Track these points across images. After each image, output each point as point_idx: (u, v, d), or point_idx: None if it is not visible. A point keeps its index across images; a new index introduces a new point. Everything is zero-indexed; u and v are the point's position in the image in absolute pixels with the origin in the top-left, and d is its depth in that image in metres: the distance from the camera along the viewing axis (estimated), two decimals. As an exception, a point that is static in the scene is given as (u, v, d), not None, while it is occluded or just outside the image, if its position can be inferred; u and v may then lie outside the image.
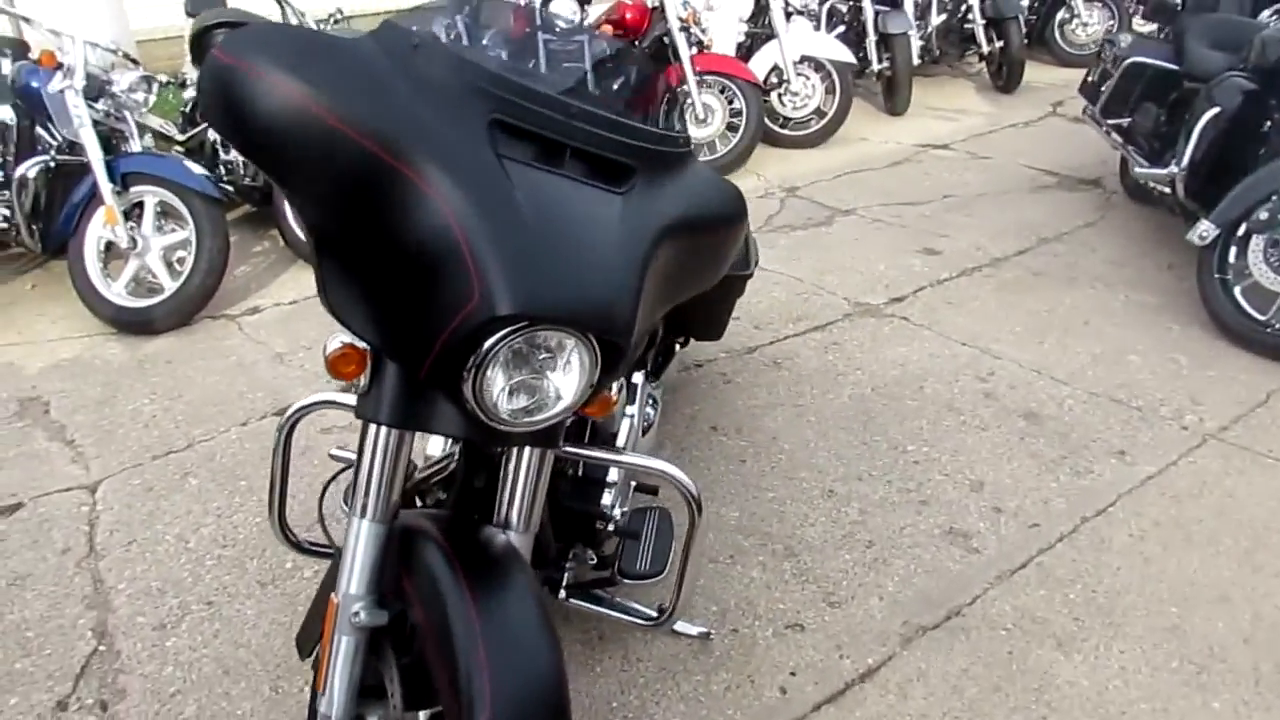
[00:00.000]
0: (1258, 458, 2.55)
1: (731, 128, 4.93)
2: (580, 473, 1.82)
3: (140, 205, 3.36)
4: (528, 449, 1.39)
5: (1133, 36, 4.19)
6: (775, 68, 5.28)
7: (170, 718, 1.79)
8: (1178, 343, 3.16)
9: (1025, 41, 6.49)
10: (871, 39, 5.82)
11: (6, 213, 3.48)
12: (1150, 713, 1.79)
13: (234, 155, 3.95)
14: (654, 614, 1.75)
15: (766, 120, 5.21)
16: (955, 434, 2.68)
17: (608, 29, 4.85)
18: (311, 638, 1.49)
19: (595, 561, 1.86)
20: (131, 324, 3.31)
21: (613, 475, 1.79)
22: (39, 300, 3.62)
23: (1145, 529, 2.28)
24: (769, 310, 3.45)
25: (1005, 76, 6.44)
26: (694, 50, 4.83)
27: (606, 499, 1.79)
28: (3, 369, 3.10)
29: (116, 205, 3.26)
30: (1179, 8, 4.04)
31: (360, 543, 1.29)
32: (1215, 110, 3.31)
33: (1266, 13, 4.06)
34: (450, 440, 1.69)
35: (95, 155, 3.23)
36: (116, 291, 3.33)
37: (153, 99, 3.57)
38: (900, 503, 2.39)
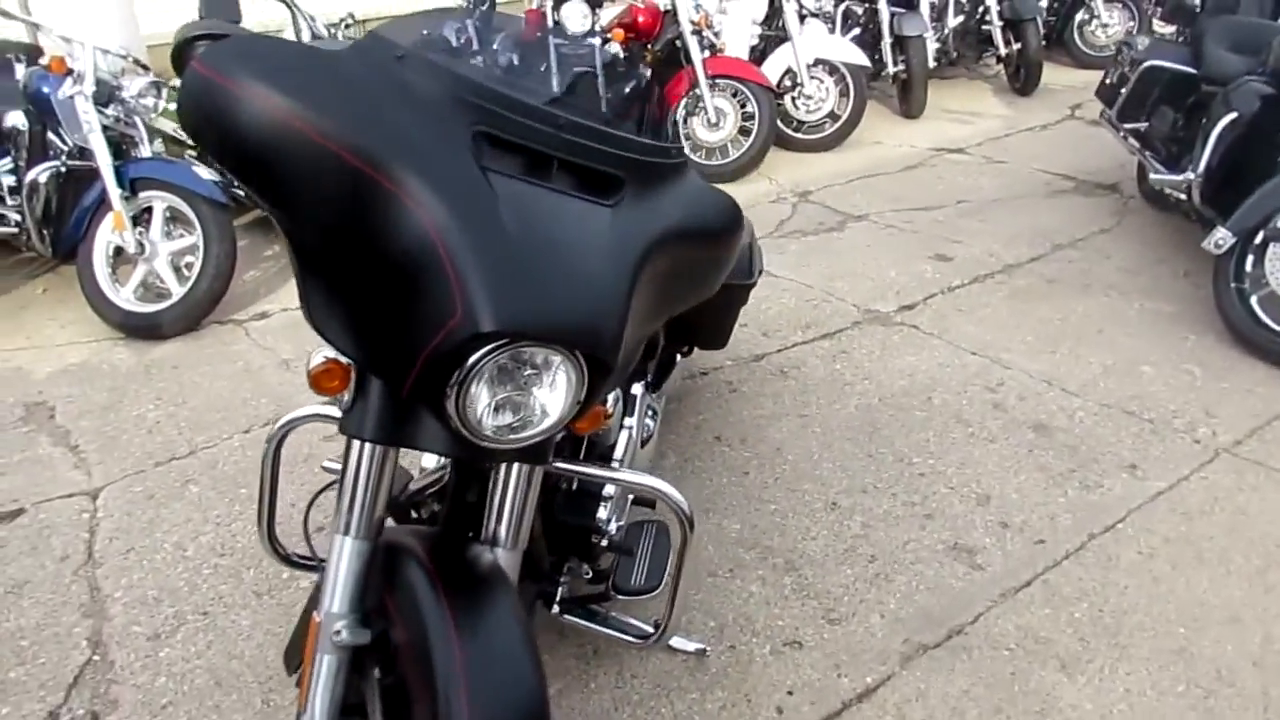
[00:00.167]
0: (1271, 473, 2.49)
1: (744, 131, 4.90)
2: (575, 486, 1.80)
3: (149, 210, 3.37)
4: (516, 465, 1.38)
5: (1150, 39, 4.12)
6: (789, 71, 5.24)
7: (161, 730, 1.79)
8: (1192, 353, 3.11)
9: (1044, 43, 6.41)
10: (887, 41, 5.77)
11: (18, 217, 3.51)
12: (1155, 737, 1.76)
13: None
14: (649, 629, 1.73)
15: (780, 124, 5.17)
16: (962, 446, 2.64)
17: (619, 33, 4.82)
18: (298, 653, 1.47)
19: (590, 576, 1.84)
20: (139, 329, 3.32)
21: (608, 489, 1.77)
22: (49, 304, 3.64)
23: (1154, 546, 2.23)
24: (778, 317, 3.41)
25: (1023, 79, 6.36)
26: (706, 53, 4.81)
27: (602, 513, 1.77)
28: (11, 373, 3.12)
29: (125, 210, 3.27)
30: (1198, 10, 3.97)
31: (343, 560, 1.28)
32: (1232, 115, 3.24)
33: (1289, 15, 3.98)
34: (442, 453, 1.68)
35: (104, 161, 3.24)
36: (125, 296, 3.34)
37: (163, 104, 3.58)
38: (904, 516, 2.36)
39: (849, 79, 5.25)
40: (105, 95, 3.36)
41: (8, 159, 3.54)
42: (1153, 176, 3.67)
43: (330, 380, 1.28)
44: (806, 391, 2.93)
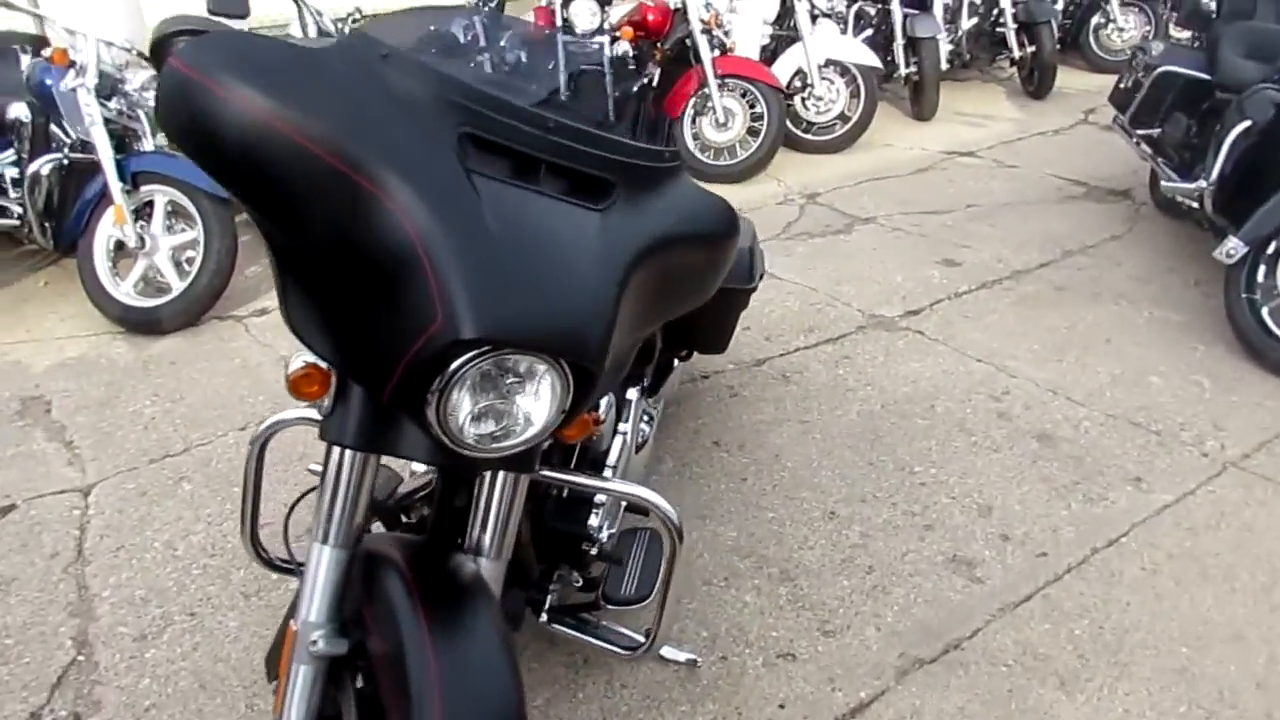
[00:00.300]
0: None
1: (753, 132, 4.86)
2: (567, 493, 1.78)
3: (150, 204, 3.35)
4: (501, 473, 1.35)
5: (1165, 44, 4.06)
6: (799, 71, 5.20)
7: (143, 733, 1.76)
8: (1202, 364, 3.05)
9: (1058, 46, 6.35)
10: (899, 42, 5.72)
11: (20, 210, 3.51)
12: (1155, 760, 1.71)
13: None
14: (640, 638, 1.70)
15: (789, 124, 5.13)
16: (965, 455, 2.59)
17: (629, 31, 4.78)
18: (279, 659, 1.46)
19: (581, 584, 1.81)
20: (138, 323, 3.31)
21: (601, 496, 1.74)
22: (51, 298, 3.63)
23: (1158, 562, 2.18)
24: (781, 321, 3.38)
25: (1036, 82, 6.30)
26: (716, 53, 4.77)
27: (593, 520, 1.74)
28: (9, 367, 3.11)
29: (126, 204, 3.26)
30: (1213, 15, 3.91)
31: (321, 569, 1.25)
32: (1246, 123, 3.18)
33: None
34: (429, 457, 1.65)
35: (105, 154, 3.23)
36: (125, 291, 3.33)
37: (166, 98, 3.56)
38: (904, 527, 2.32)
39: (860, 80, 5.20)
40: (108, 88, 3.35)
41: (10, 151, 3.53)
42: (1164, 184, 3.62)
43: (309, 385, 1.26)
44: (808, 397, 2.89)
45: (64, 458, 2.61)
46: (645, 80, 4.99)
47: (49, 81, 3.36)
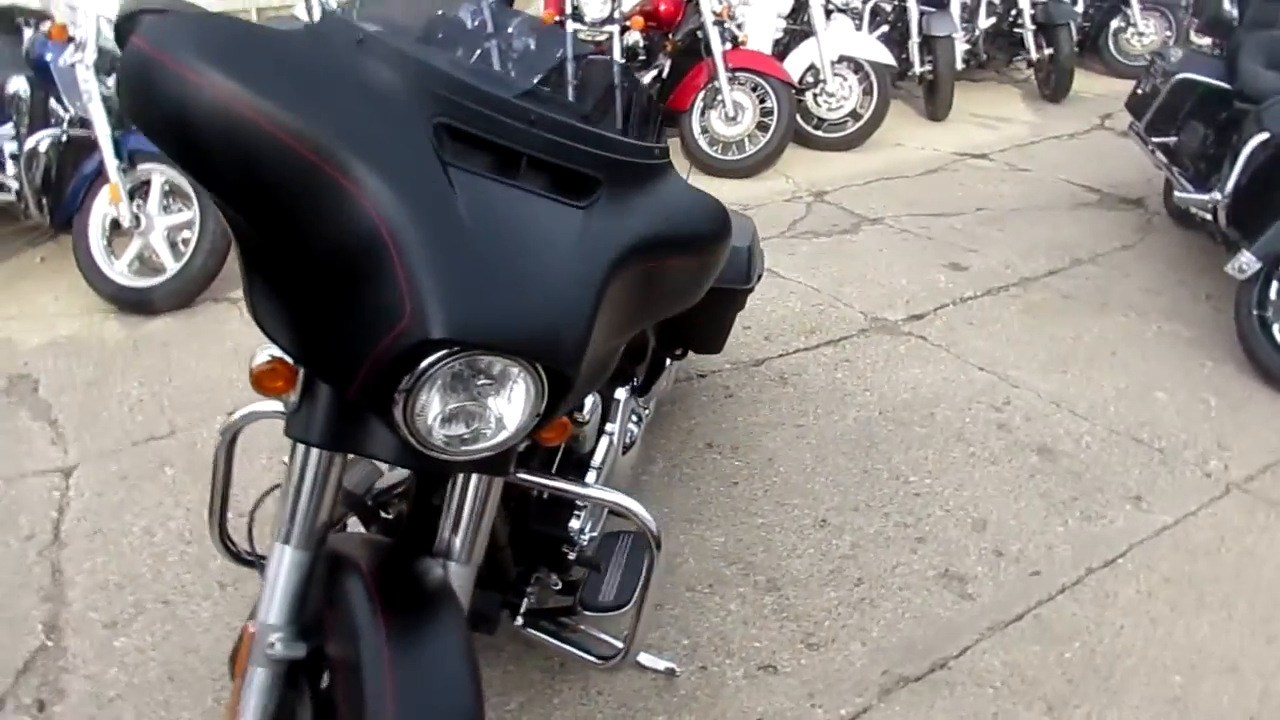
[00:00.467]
0: (1285, 512, 2.39)
1: (762, 127, 4.79)
2: (548, 494, 1.73)
3: (147, 184, 3.31)
4: (474, 475, 1.31)
5: (1185, 50, 3.98)
6: (812, 67, 5.13)
7: (107, 724, 1.73)
8: (1209, 381, 2.99)
9: (1077, 50, 6.25)
10: (914, 40, 5.64)
11: (17, 185, 3.47)
12: (1141, 791, 1.67)
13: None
14: (618, 644, 1.66)
15: (800, 120, 5.07)
16: (962, 466, 2.54)
17: (639, 20, 4.73)
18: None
19: (560, 586, 1.77)
20: (131, 303, 3.27)
21: (582, 499, 1.69)
22: (46, 274, 3.59)
23: (1154, 585, 2.13)
24: (781, 321, 3.32)
25: (1053, 85, 6.20)
26: (727, 46, 4.70)
27: (575, 523, 1.70)
28: (-1, 343, 3.08)
29: (122, 182, 3.21)
30: (1235, 23, 3.82)
31: (282, 570, 1.22)
32: (1265, 135, 3.10)
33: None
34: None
35: (103, 131, 3.18)
36: (119, 270, 3.29)
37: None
38: (896, 538, 2.27)
39: (873, 77, 5.13)
40: (107, 64, 3.29)
41: (10, 125, 3.50)
42: (1178, 194, 3.55)
43: (274, 380, 1.22)
44: (805, 400, 2.84)
45: (48, 437, 2.58)
46: (655, 71, 4.93)
47: (48, 56, 3.32)
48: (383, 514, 1.66)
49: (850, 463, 2.55)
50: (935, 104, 5.78)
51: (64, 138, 3.38)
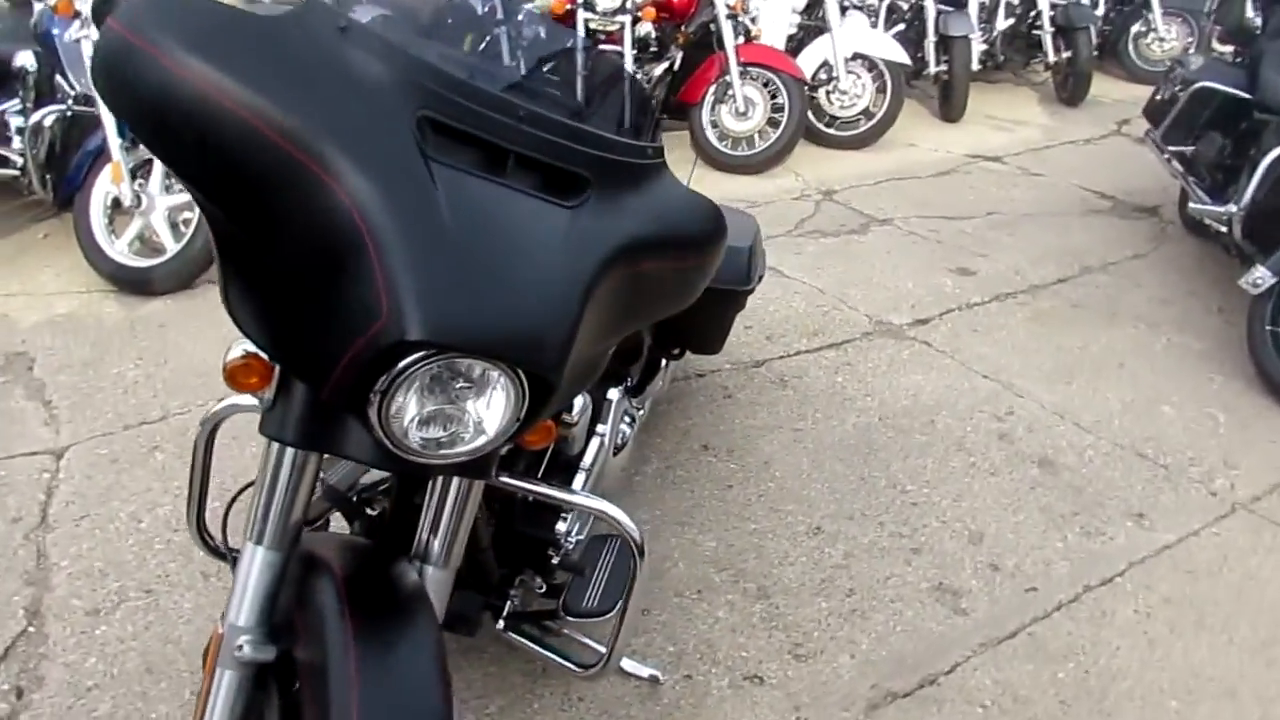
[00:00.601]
0: (1290, 534, 2.34)
1: (773, 123, 4.75)
2: (534, 496, 1.70)
3: (149, 163, 3.28)
4: (454, 479, 1.28)
5: (1205, 58, 3.91)
6: (825, 63, 5.07)
7: (83, 713, 1.71)
8: (1218, 396, 2.94)
9: (1096, 53, 6.17)
10: (930, 40, 5.58)
11: (22, 160, 3.45)
12: (1130, 818, 1.63)
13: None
14: (601, 650, 1.63)
15: (812, 118, 5.01)
16: (961, 477, 2.50)
17: (651, 11, 4.67)
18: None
19: (544, 589, 1.74)
20: (130, 283, 3.25)
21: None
22: (48, 251, 3.57)
23: (1153, 605, 2.09)
24: (784, 321, 3.28)
25: (1070, 89, 6.13)
26: (740, 40, 4.65)
27: (561, 526, 1.67)
28: (-4, 320, 3.06)
29: (125, 161, 3.19)
30: (1258, 31, 3.75)
31: (253, 570, 1.19)
32: (1284, 147, 3.05)
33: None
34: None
35: (106, 109, 3.16)
36: (119, 249, 3.27)
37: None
38: (890, 549, 2.23)
39: (887, 76, 5.07)
40: (113, 41, 3.27)
41: (16, 100, 3.48)
42: (1193, 204, 3.48)
43: (248, 376, 1.19)
44: (804, 403, 2.80)
45: (40, 417, 2.56)
46: (667, 63, 4.88)
47: (55, 31, 3.30)
48: (367, 510, 1.63)
49: (847, 469, 2.51)
50: (950, 105, 5.72)
51: (68, 114, 3.36)
